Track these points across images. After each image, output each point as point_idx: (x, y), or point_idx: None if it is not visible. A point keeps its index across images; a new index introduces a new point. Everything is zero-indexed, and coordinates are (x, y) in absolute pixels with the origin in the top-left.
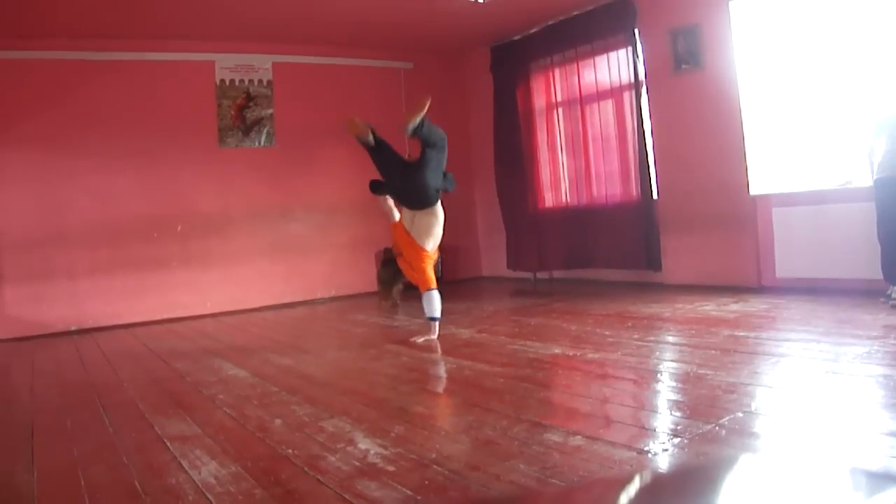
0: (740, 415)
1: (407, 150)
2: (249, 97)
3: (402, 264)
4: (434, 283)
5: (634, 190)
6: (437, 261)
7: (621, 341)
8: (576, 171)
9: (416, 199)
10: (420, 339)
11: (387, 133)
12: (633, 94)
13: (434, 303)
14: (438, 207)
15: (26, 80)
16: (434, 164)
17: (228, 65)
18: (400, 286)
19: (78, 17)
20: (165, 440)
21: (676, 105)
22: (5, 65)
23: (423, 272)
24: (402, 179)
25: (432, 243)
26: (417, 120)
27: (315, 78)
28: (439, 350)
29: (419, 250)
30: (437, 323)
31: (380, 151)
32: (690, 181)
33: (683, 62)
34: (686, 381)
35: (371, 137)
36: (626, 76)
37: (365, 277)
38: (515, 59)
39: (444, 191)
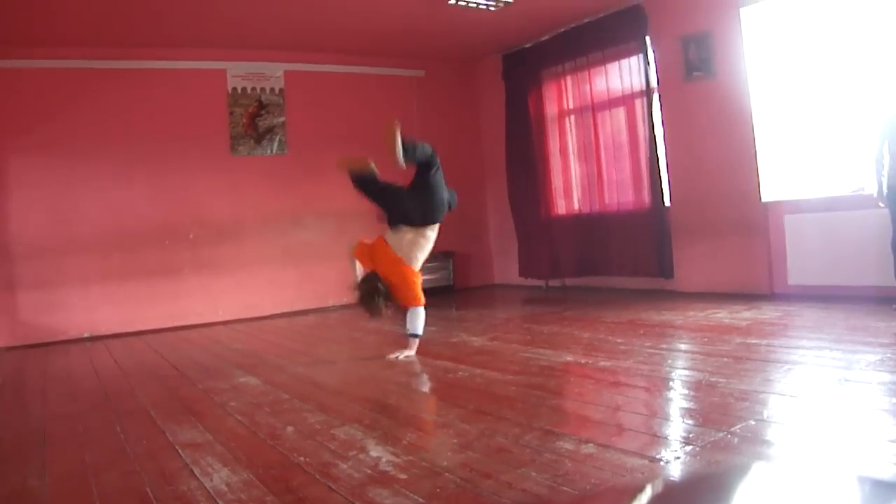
0: (752, 423)
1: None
2: (261, 105)
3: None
4: (423, 300)
5: (646, 197)
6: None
7: (633, 349)
8: (588, 178)
9: (431, 216)
10: (399, 356)
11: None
12: (644, 101)
13: (420, 319)
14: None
15: (39, 88)
16: (440, 178)
17: (240, 73)
18: (382, 298)
19: (90, 26)
20: (177, 447)
21: (688, 112)
22: (19, 73)
23: (414, 288)
24: (411, 199)
25: (422, 260)
26: (399, 148)
27: (327, 86)
28: (418, 367)
29: (408, 269)
30: (417, 340)
31: (377, 185)
32: (702, 188)
33: (695, 69)
34: (698, 388)
35: (374, 171)
36: (638, 83)
37: None
38: (527, 67)
39: (448, 208)
